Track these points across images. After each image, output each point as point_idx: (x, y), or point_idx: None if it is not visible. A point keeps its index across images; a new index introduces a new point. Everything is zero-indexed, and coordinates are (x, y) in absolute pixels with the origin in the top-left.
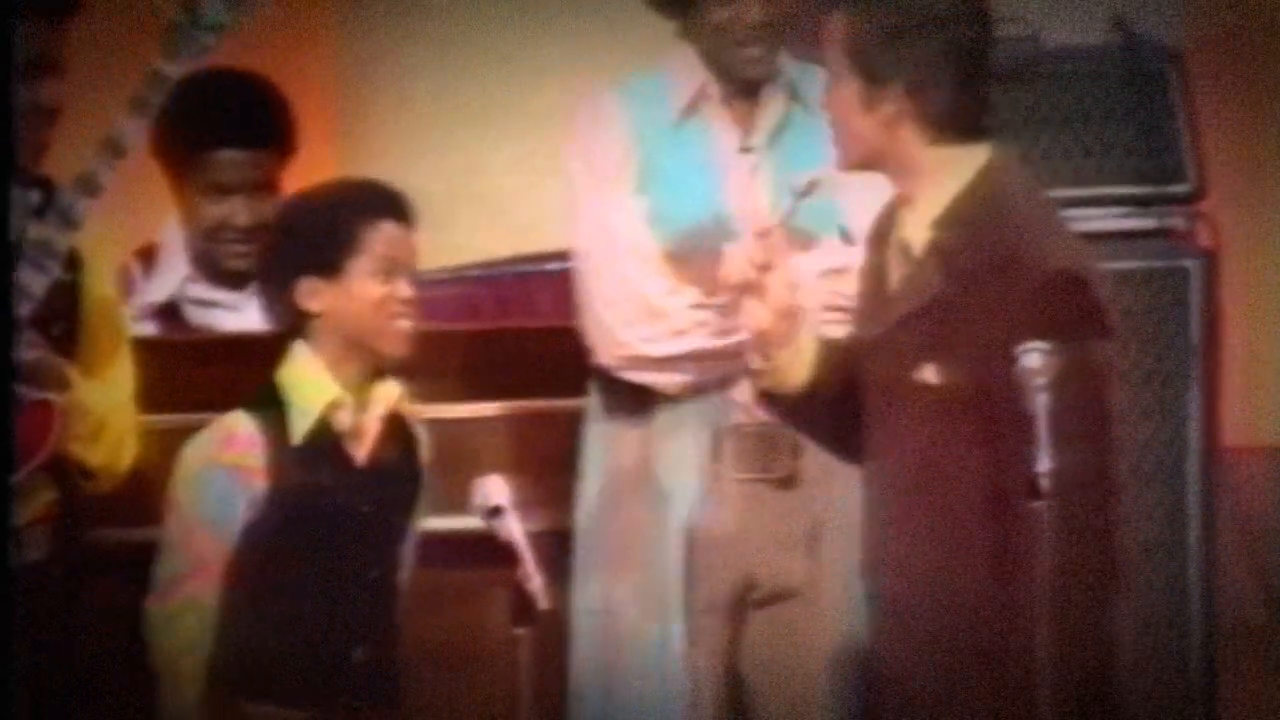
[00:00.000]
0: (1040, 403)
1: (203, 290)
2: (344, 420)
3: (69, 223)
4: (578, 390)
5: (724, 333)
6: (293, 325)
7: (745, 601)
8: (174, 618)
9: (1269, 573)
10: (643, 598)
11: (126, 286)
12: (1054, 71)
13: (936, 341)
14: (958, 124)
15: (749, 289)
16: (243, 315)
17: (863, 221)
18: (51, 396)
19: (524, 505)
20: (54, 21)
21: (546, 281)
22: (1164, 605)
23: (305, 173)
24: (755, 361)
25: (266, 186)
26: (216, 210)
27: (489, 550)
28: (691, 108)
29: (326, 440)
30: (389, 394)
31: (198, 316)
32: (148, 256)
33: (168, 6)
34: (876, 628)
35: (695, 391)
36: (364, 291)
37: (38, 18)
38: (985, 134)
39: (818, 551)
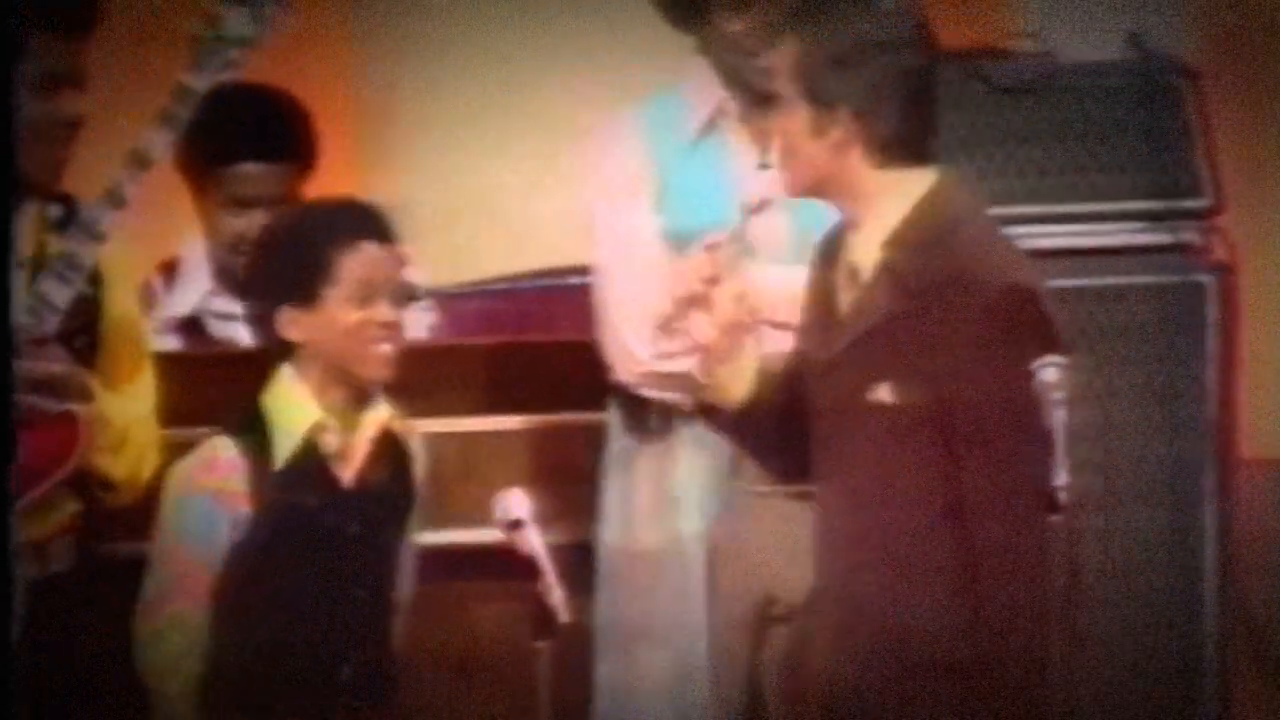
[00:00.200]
0: (1057, 418)
1: (225, 304)
2: (330, 442)
3: (94, 235)
4: (598, 405)
5: None
6: (280, 349)
7: (766, 616)
8: (159, 635)
9: None
10: (663, 613)
11: (149, 300)
12: (1070, 86)
13: (890, 361)
14: (905, 148)
15: (695, 302)
16: None
17: None
18: (76, 408)
19: (545, 519)
20: (72, 36)
21: (567, 296)
22: (1179, 619)
23: (325, 187)
24: (698, 375)
25: (287, 200)
26: (238, 224)
27: (510, 563)
28: (709, 125)
29: (311, 463)
30: (378, 415)
31: (220, 330)
32: (170, 270)
33: (192, 21)
34: (832, 647)
35: None
36: (341, 319)
37: (55, 32)
38: (932, 158)
39: None
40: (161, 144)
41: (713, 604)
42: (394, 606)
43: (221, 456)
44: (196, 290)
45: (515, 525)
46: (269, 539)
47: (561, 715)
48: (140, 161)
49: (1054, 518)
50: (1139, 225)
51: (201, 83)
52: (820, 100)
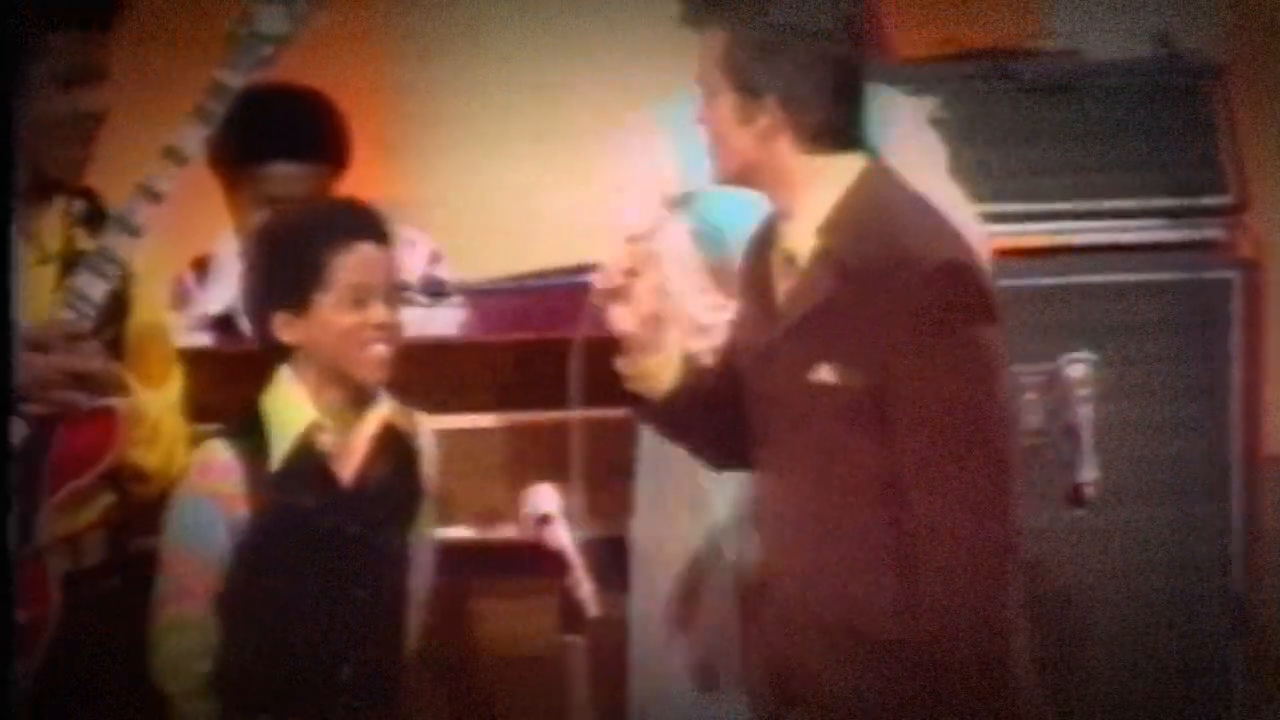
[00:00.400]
0: (1083, 413)
1: None
2: (327, 442)
3: (130, 231)
4: (628, 400)
5: None
6: (278, 350)
7: None
8: (163, 636)
9: None
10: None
11: (182, 297)
12: (1097, 85)
13: (831, 342)
14: (833, 135)
15: (617, 295)
16: None
17: None
18: (114, 402)
19: (576, 514)
20: (91, 31)
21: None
22: (1207, 617)
23: (353, 185)
24: (623, 366)
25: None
26: None
27: (539, 558)
28: None
29: (308, 463)
30: (379, 413)
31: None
32: (203, 267)
33: (226, 17)
34: (779, 629)
35: None
36: (334, 323)
37: (74, 28)
38: (859, 144)
39: None
40: (196, 139)
41: (743, 596)
42: (400, 605)
43: (218, 459)
44: (229, 287)
45: (544, 520)
46: (266, 540)
47: (593, 709)
48: (176, 157)
49: (1079, 512)
50: (1165, 222)
51: (236, 79)
52: (748, 88)
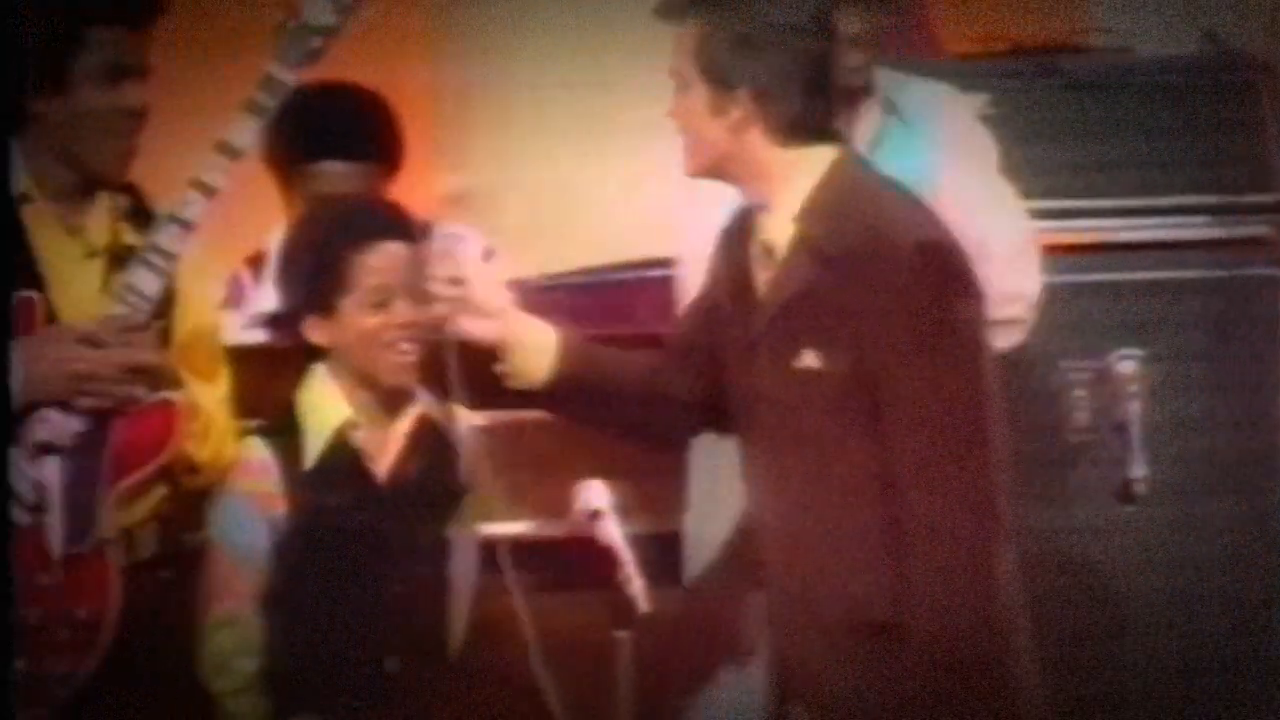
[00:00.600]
0: (1132, 410)
1: None
2: (361, 439)
3: (183, 224)
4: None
5: None
6: (311, 350)
7: None
8: (208, 634)
9: None
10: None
11: (237, 293)
12: (1145, 82)
13: (814, 328)
14: (805, 127)
15: (460, 307)
16: None
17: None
18: (171, 395)
19: (627, 509)
20: (134, 27)
21: (650, 288)
22: (1253, 613)
23: (405, 181)
24: (500, 369)
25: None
26: None
27: (590, 554)
28: None
29: (342, 461)
30: (414, 409)
31: None
32: (258, 264)
33: (272, 11)
34: (779, 624)
35: None
36: (357, 326)
37: (117, 24)
38: (830, 136)
39: None
40: (249, 133)
41: None
42: (442, 600)
43: (254, 458)
44: None
45: (595, 516)
46: (303, 538)
47: (641, 704)
48: (228, 151)
49: (1129, 508)
50: (1211, 219)
51: (286, 72)
52: (721, 81)
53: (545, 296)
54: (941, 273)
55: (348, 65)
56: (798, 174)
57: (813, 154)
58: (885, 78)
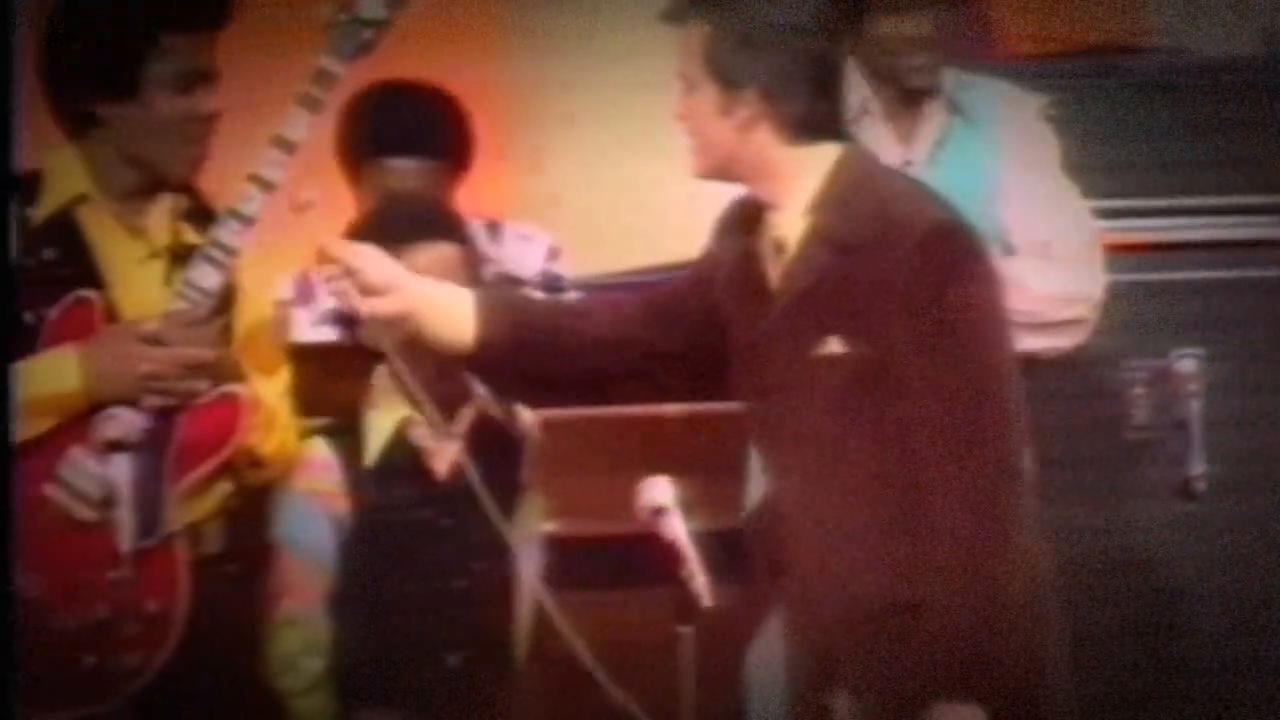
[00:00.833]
0: (1193, 408)
1: None
2: (422, 437)
3: (242, 219)
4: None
5: None
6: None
7: None
8: (274, 633)
9: None
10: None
11: (306, 291)
12: (1206, 82)
13: (832, 316)
14: (814, 125)
15: (364, 290)
16: None
17: (1025, 235)
18: (236, 389)
19: (690, 506)
20: (204, 34)
21: None
22: None
23: (472, 184)
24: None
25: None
26: None
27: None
28: (853, 121)
29: (403, 459)
30: (473, 407)
31: None
32: None
33: (327, 6)
34: (797, 603)
35: None
36: None
37: (188, 30)
38: (837, 134)
39: None
40: (302, 126)
41: None
42: (505, 596)
43: (316, 457)
44: None
45: (659, 512)
46: (366, 536)
47: (705, 699)
48: (284, 145)
49: (1189, 505)
50: (1272, 219)
51: (338, 65)
52: (728, 81)
53: (606, 295)
54: (956, 254)
55: (419, 67)
56: (806, 170)
57: (820, 150)
58: (949, 78)
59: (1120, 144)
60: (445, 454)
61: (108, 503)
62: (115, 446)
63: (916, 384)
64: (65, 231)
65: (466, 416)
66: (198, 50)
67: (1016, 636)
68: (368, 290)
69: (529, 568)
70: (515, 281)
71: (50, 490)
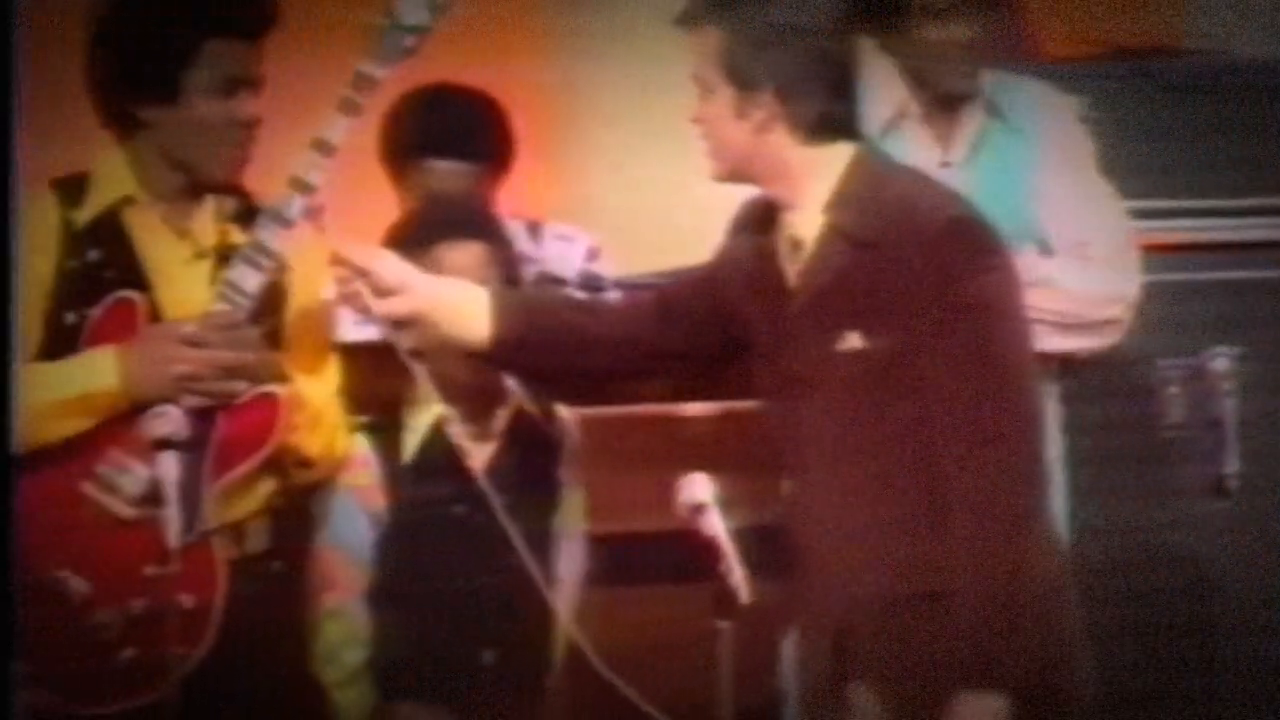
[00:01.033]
0: (1227, 407)
1: None
2: (459, 434)
3: (283, 221)
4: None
5: None
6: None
7: None
8: (318, 626)
9: None
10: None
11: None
12: (1241, 83)
13: (854, 310)
14: (828, 125)
15: (379, 292)
16: None
17: (1061, 235)
18: (275, 389)
19: (728, 503)
20: (248, 40)
21: None
22: None
23: (512, 185)
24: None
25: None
26: None
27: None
28: (892, 124)
29: (439, 456)
30: (510, 406)
31: None
32: None
33: (369, 11)
34: (815, 590)
35: None
36: None
37: (232, 36)
38: (851, 134)
39: None
40: (342, 130)
41: None
42: (541, 592)
43: (356, 453)
44: None
45: (698, 509)
46: (403, 531)
47: (742, 694)
48: (323, 148)
49: (1222, 503)
50: None
51: (379, 70)
52: (744, 83)
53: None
54: (972, 248)
55: (459, 69)
56: (821, 170)
57: (834, 150)
58: (987, 80)
59: (1156, 145)
60: (481, 452)
61: (146, 500)
62: (164, 444)
63: (935, 377)
64: (111, 233)
65: (503, 415)
66: (241, 56)
67: (1036, 627)
68: (380, 292)
69: (569, 565)
70: (556, 282)
71: (89, 488)
